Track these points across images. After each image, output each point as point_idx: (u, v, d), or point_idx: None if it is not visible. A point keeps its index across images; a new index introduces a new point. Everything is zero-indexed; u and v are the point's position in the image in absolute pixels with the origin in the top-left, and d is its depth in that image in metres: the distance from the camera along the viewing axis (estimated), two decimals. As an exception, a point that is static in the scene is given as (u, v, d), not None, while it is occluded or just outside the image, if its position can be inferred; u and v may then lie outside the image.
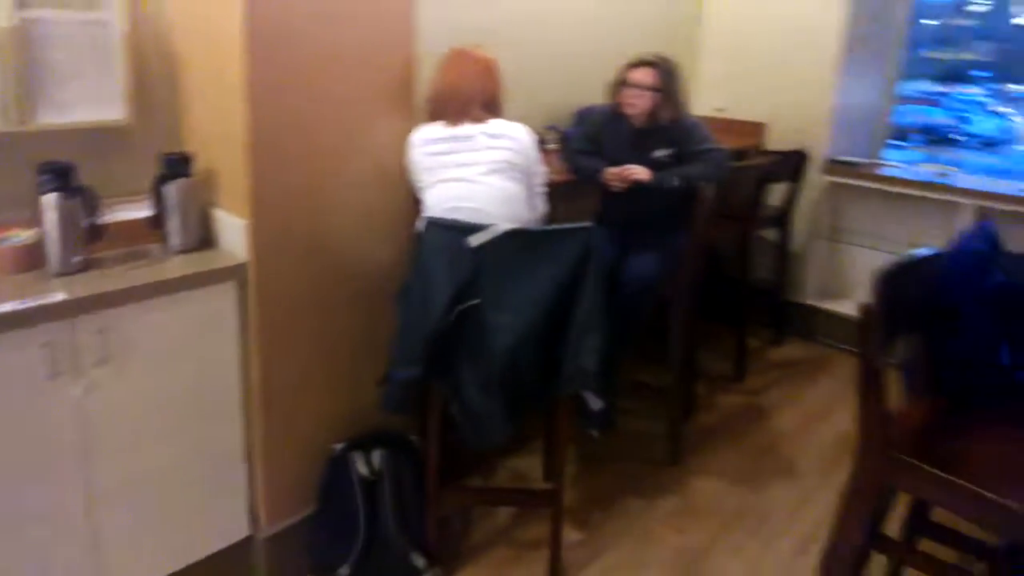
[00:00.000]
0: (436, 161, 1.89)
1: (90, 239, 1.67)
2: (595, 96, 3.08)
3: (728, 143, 3.46)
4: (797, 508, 2.35)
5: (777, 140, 3.63)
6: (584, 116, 2.85)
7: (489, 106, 1.95)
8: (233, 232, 1.80)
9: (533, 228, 1.78)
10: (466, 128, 1.91)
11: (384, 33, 1.90)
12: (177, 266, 1.76)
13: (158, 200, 1.79)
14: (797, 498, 2.40)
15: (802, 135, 3.52)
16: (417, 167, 1.93)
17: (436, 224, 1.73)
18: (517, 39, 2.95)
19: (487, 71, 1.94)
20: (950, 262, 1.83)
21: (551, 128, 2.73)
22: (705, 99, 3.93)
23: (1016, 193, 3.12)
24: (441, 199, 1.88)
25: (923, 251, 1.74)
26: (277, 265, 1.82)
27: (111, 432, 1.65)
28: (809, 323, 3.68)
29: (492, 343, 1.72)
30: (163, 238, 1.83)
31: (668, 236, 2.49)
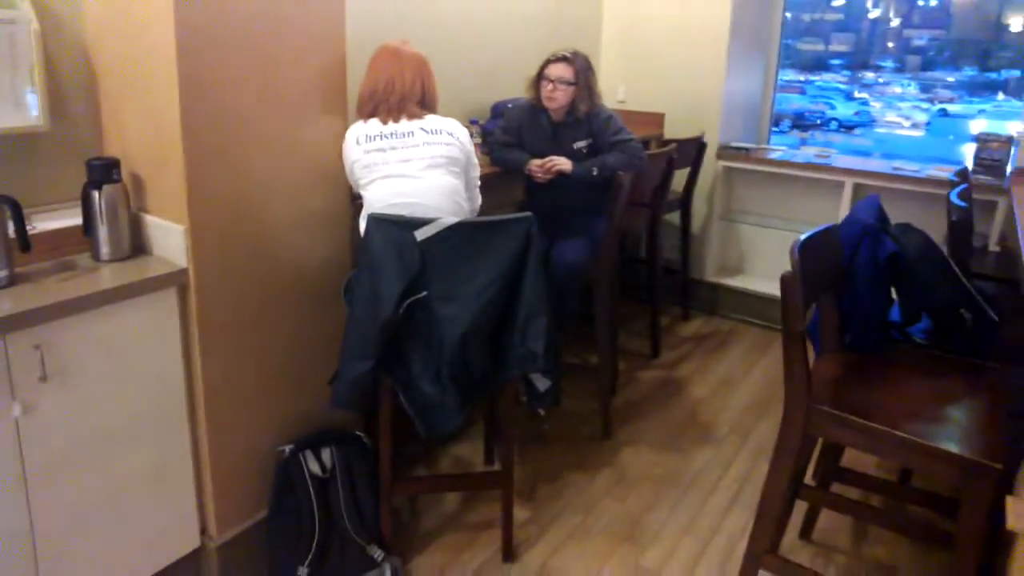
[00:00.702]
0: (376, 158, 1.92)
1: (16, 251, 1.59)
2: (506, 91, 3.17)
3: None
4: (721, 469, 2.54)
5: (674, 129, 3.85)
6: (503, 111, 2.93)
7: (424, 102, 1.99)
8: (169, 238, 1.76)
9: (476, 220, 1.83)
10: (403, 124, 1.94)
11: (316, 31, 1.90)
12: (111, 275, 1.70)
13: (86, 208, 1.72)
14: (720, 460, 2.60)
15: (697, 123, 3.76)
16: (356, 164, 1.94)
17: (382, 220, 1.75)
18: (432, 36, 2.98)
19: (421, 67, 1.98)
20: (847, 234, 2.05)
21: (473, 123, 2.79)
22: (607, 92, 4.10)
23: (888, 171, 3.47)
24: (384, 195, 1.90)
25: (825, 225, 1.95)
26: (218, 269, 1.79)
27: (53, 452, 1.58)
28: (712, 299, 3.94)
29: (442, 334, 1.77)
30: (93, 247, 1.76)
31: (590, 223, 2.62)
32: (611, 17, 4.05)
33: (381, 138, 1.92)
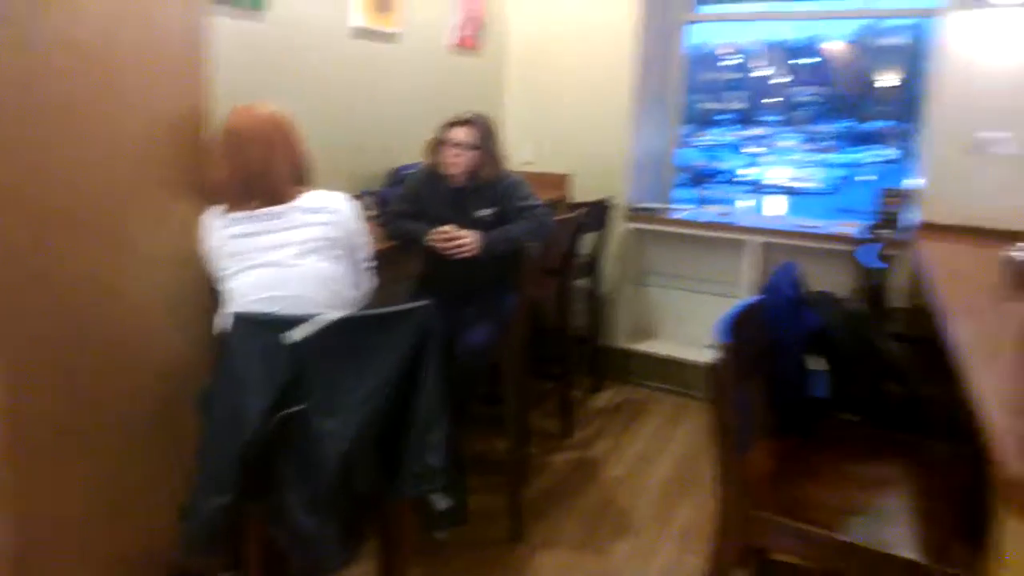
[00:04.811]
0: (242, 245, 1.62)
1: None
2: (405, 155, 2.95)
3: (539, 196, 3.50)
4: (643, 563, 2.31)
5: (582, 191, 3.72)
6: (401, 177, 2.70)
7: (298, 176, 1.71)
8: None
9: (361, 314, 1.57)
10: (276, 205, 1.66)
11: (161, 88, 1.61)
12: None
13: None
14: (641, 552, 2.35)
15: (603, 184, 3.65)
16: (218, 253, 1.64)
17: (246, 320, 1.46)
18: (317, 95, 2.72)
19: (287, 134, 1.70)
20: (768, 307, 1.91)
21: (366, 193, 2.53)
22: (513, 153, 3.95)
23: (789, 228, 3.44)
24: (250, 288, 1.60)
25: (750, 299, 1.79)
26: (27, 383, 1.43)
27: None
28: (623, 366, 3.76)
29: (320, 453, 1.47)
30: None
31: (497, 298, 2.39)
32: (514, 76, 3.92)
33: (249, 220, 1.63)
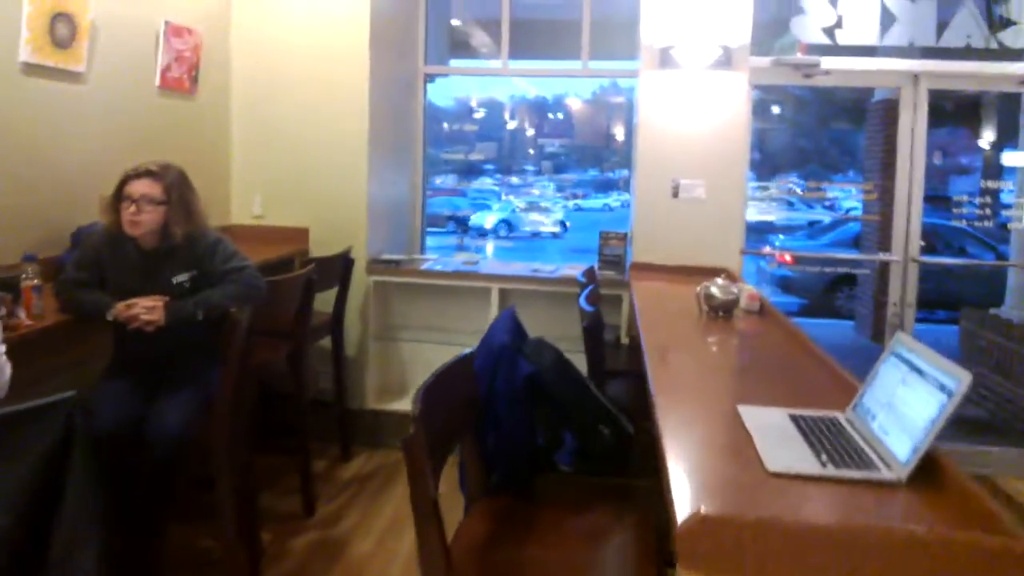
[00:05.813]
0: None
1: None
2: (92, 215, 2.58)
3: (271, 252, 3.26)
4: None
5: (321, 244, 3.55)
6: (80, 239, 2.34)
7: None
8: None
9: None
10: None
11: None
12: None
13: None
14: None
15: (344, 237, 3.50)
16: None
17: None
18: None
19: None
20: (483, 359, 1.88)
21: (29, 259, 2.14)
22: (242, 207, 3.68)
23: (527, 274, 3.56)
24: None
25: (458, 355, 1.74)
26: None
27: None
28: (374, 429, 3.57)
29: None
30: None
31: (201, 371, 2.13)
32: (239, 123, 3.64)
33: None
